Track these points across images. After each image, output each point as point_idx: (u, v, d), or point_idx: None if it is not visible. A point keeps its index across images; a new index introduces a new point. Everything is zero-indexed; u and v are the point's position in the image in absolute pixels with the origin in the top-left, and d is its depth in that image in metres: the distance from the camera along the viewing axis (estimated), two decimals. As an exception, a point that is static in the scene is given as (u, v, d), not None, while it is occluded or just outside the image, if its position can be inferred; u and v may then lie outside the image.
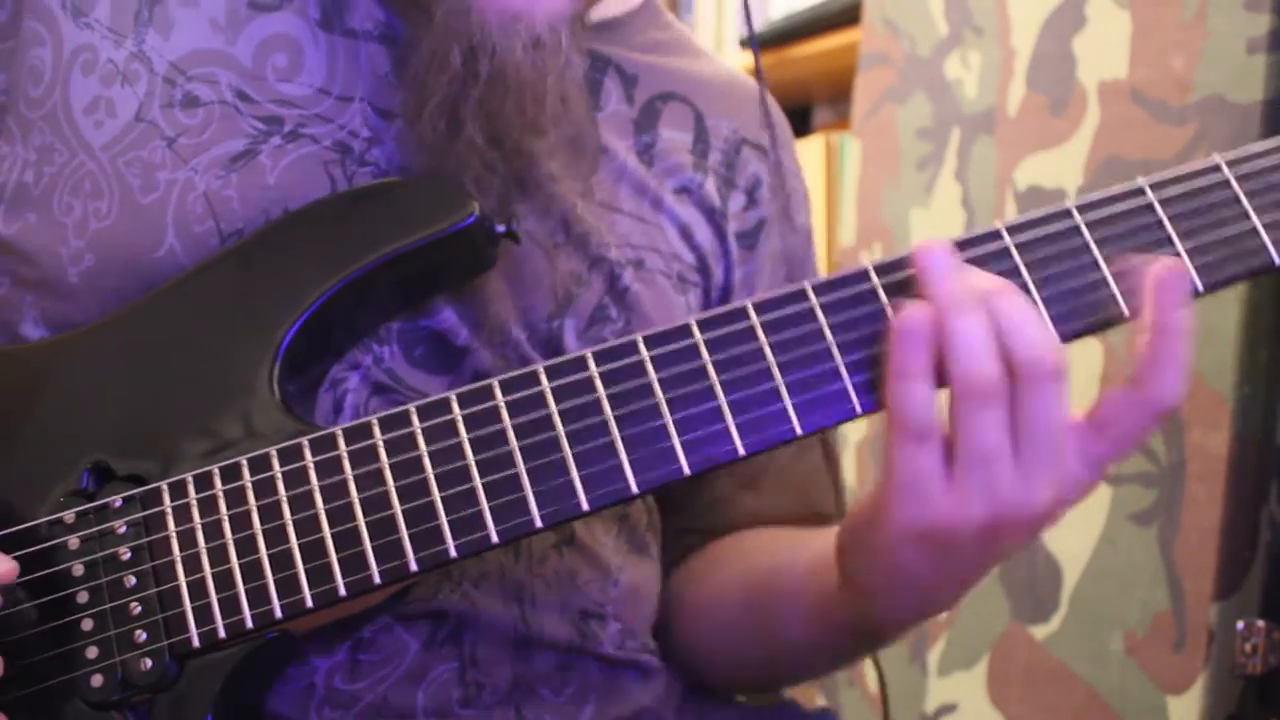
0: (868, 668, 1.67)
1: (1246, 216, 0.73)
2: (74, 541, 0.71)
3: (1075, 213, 0.72)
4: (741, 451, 0.69)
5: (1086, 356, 1.35)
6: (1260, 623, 1.18)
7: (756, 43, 0.96)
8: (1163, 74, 1.30)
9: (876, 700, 1.64)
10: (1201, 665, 1.19)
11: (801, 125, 2.36)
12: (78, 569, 0.71)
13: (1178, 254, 0.72)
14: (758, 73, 0.94)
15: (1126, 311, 0.71)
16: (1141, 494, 1.28)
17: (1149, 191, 0.73)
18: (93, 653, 0.70)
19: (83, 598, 0.71)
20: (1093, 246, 0.72)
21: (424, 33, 0.80)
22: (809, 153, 2.09)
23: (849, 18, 1.93)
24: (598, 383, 0.70)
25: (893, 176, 1.70)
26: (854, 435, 1.72)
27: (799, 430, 0.69)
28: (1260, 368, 1.18)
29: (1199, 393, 1.22)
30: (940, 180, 1.61)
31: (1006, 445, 0.67)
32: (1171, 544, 1.24)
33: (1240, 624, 1.18)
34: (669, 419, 0.69)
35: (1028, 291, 0.71)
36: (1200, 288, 0.72)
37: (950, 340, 0.67)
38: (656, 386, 0.70)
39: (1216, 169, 0.74)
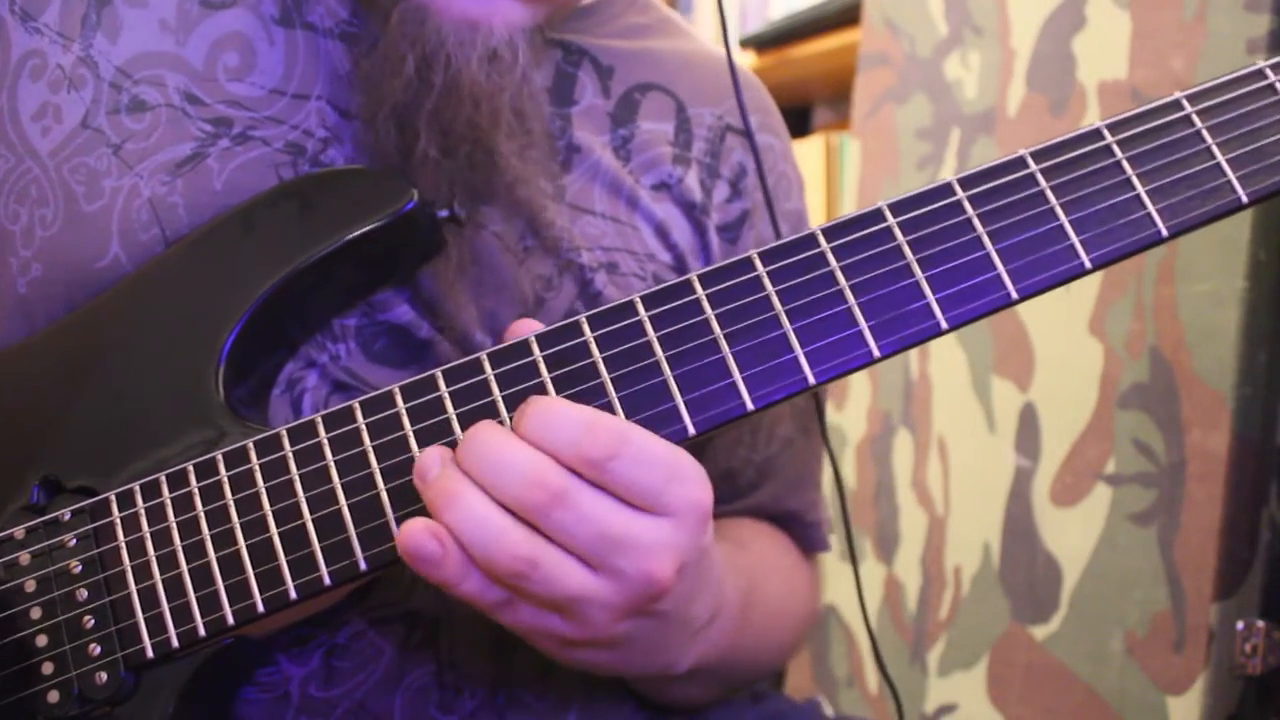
0: (868, 668, 1.67)
1: (1210, 154, 0.69)
2: (25, 558, 0.71)
3: (1030, 160, 0.70)
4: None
5: (1086, 356, 1.35)
6: (1260, 623, 1.17)
7: (729, 35, 0.93)
8: (1163, 74, 1.30)
9: (876, 700, 1.64)
10: (1201, 665, 1.19)
11: (801, 125, 2.36)
12: (30, 585, 0.70)
13: (1138, 196, 0.69)
14: (730, 63, 0.92)
15: (1088, 263, 0.68)
16: (1141, 494, 1.28)
17: (1107, 134, 0.70)
18: (48, 669, 0.69)
19: (36, 613, 0.70)
20: (1049, 195, 0.69)
21: (380, 32, 0.79)
22: (809, 153, 2.09)
23: (849, 18, 1.93)
24: (542, 367, 0.68)
25: (892, 176, 1.70)
26: (854, 435, 1.72)
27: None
28: (1260, 368, 1.18)
29: (1199, 393, 1.22)
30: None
31: (589, 581, 0.65)
32: (1171, 544, 1.24)
33: (1240, 624, 1.18)
34: (614, 397, 0.68)
35: (980, 246, 0.68)
36: (1164, 232, 0.69)
37: (458, 539, 0.64)
38: (601, 366, 0.68)
39: (1177, 105, 0.70)
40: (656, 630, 0.70)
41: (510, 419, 0.67)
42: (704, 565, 0.70)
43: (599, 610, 0.66)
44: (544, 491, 0.63)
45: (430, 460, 0.65)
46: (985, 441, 1.49)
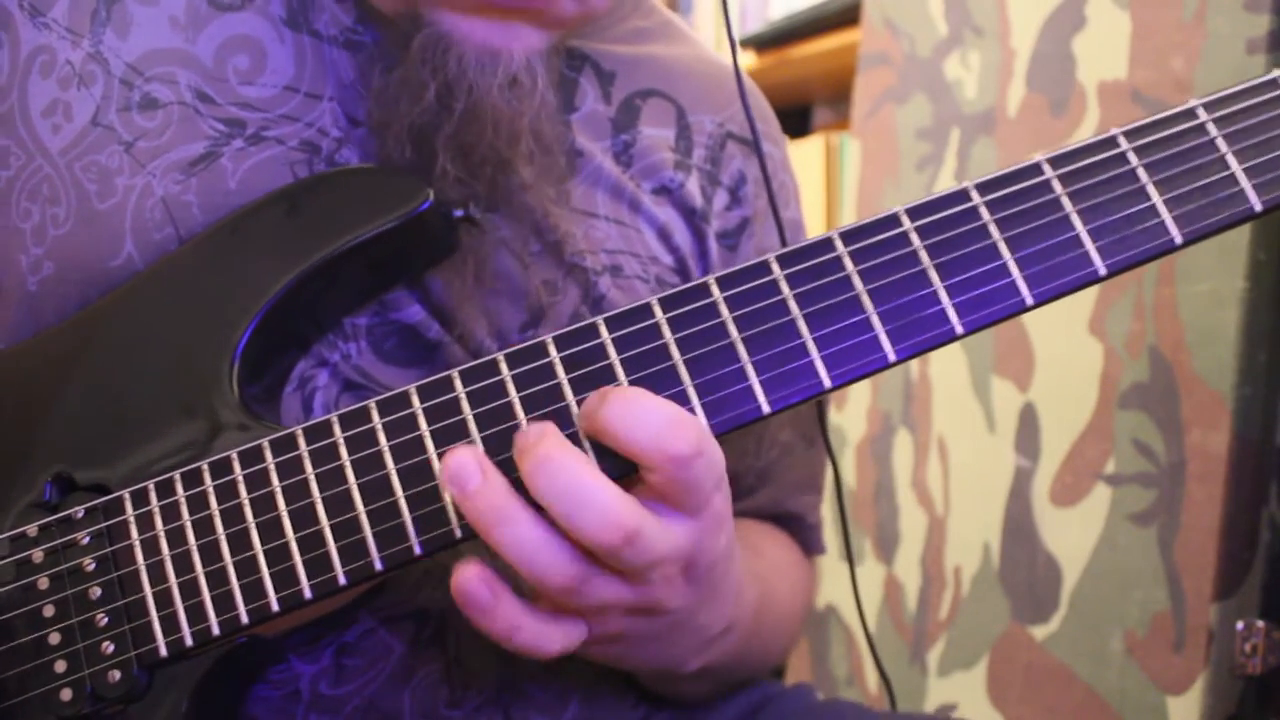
0: (868, 668, 1.67)
1: (1224, 163, 0.70)
2: (38, 555, 0.71)
3: (1046, 167, 0.70)
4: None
5: (1086, 356, 1.35)
6: (1260, 623, 1.17)
7: (736, 46, 0.94)
8: (1162, 74, 1.30)
9: (876, 700, 1.64)
10: (1201, 665, 1.19)
11: (801, 125, 2.36)
12: (43, 583, 0.70)
13: (1153, 205, 0.69)
14: (736, 71, 0.92)
15: (1103, 270, 0.68)
16: (1141, 494, 1.28)
17: (1122, 141, 0.70)
18: (61, 667, 0.69)
19: (49, 611, 0.70)
20: (1065, 202, 0.69)
21: (397, 51, 0.79)
22: (809, 153, 2.09)
23: (849, 18, 1.93)
24: (558, 368, 0.68)
25: (892, 177, 1.70)
26: (854, 435, 1.72)
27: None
28: (1260, 369, 1.18)
29: (1199, 393, 1.22)
30: (940, 180, 1.61)
31: (624, 591, 0.66)
32: (1171, 544, 1.24)
33: (1240, 624, 1.18)
34: None
35: (996, 252, 0.68)
36: (1179, 240, 0.69)
37: (507, 558, 0.63)
38: (618, 368, 0.68)
39: (1191, 114, 0.70)
40: (662, 629, 0.71)
41: (525, 419, 0.67)
42: (717, 575, 0.71)
43: (618, 612, 0.67)
44: (619, 533, 0.62)
45: (468, 470, 0.64)
46: (985, 441, 1.49)
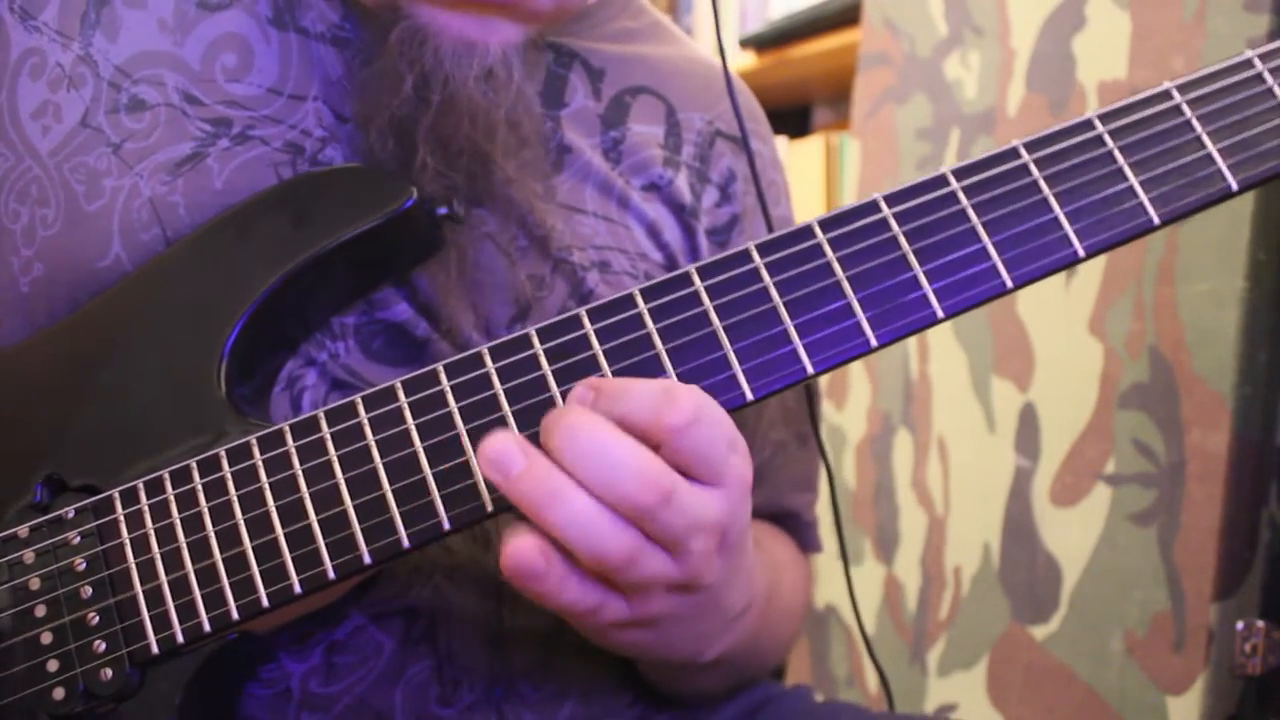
0: (868, 668, 1.67)
1: (1200, 143, 0.70)
2: (29, 556, 0.71)
3: (1023, 151, 0.70)
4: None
5: (1086, 356, 1.35)
6: (1260, 623, 1.17)
7: (723, 43, 0.94)
8: (1162, 74, 1.30)
9: (876, 701, 1.64)
10: (1201, 665, 1.19)
11: (801, 125, 2.36)
12: (34, 583, 0.71)
13: (1130, 186, 0.69)
14: (725, 70, 0.93)
15: (1081, 252, 0.69)
16: (1141, 494, 1.28)
17: (1098, 124, 0.71)
18: (53, 666, 0.69)
19: (40, 611, 0.70)
20: (1043, 185, 0.69)
21: (378, 46, 0.80)
22: (809, 153, 2.09)
23: (849, 18, 1.93)
24: (542, 360, 0.68)
25: (893, 177, 1.70)
26: (854, 435, 1.72)
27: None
28: (1260, 369, 1.18)
29: (1199, 393, 1.22)
30: (940, 180, 1.60)
31: (670, 565, 0.65)
32: (1171, 544, 1.24)
33: (1240, 624, 1.18)
34: None
35: (975, 236, 0.69)
36: (1156, 220, 0.69)
37: (561, 538, 0.62)
38: (602, 359, 0.68)
39: (1167, 95, 0.71)
40: (694, 608, 0.70)
41: (510, 411, 0.67)
42: (742, 549, 0.71)
43: (660, 589, 0.66)
44: (656, 493, 0.62)
45: (510, 454, 0.63)
46: (985, 441, 1.49)
